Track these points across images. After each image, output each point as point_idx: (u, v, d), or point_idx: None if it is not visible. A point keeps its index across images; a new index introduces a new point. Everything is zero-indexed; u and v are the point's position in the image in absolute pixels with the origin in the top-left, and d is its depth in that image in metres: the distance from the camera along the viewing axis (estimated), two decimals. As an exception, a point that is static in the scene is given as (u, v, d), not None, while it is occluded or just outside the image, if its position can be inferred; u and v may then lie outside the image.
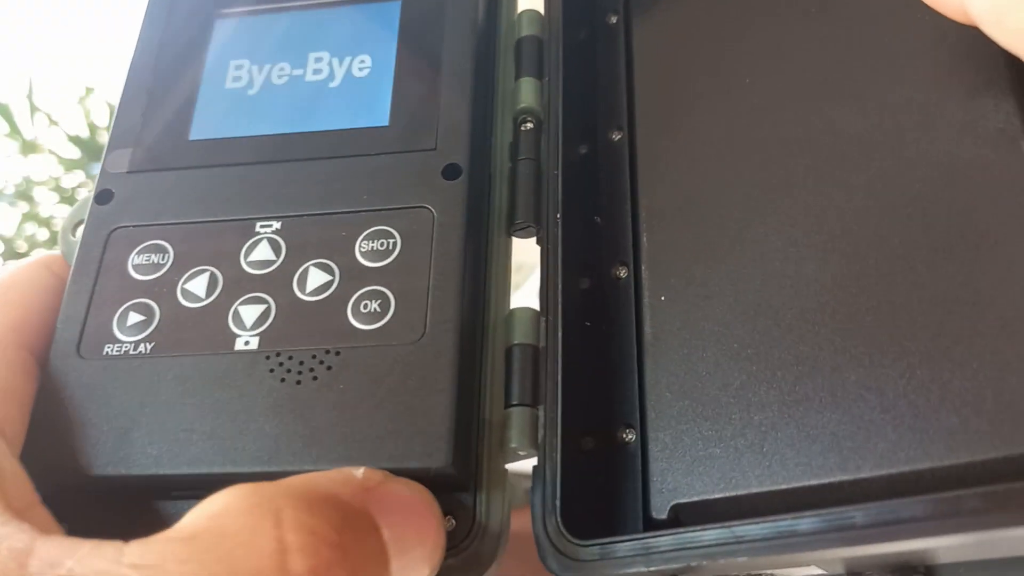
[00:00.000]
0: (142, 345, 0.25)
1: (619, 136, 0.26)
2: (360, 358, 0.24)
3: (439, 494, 0.22)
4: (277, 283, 0.25)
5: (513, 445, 0.24)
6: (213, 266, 0.26)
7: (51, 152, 1.23)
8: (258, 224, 0.26)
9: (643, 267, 0.24)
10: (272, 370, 0.24)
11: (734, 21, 0.27)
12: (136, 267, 0.26)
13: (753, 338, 0.21)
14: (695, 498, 0.20)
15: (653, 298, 0.24)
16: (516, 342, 0.25)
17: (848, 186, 0.22)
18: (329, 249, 0.26)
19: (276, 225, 0.26)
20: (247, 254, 0.26)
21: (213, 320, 0.25)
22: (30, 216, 1.29)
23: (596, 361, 0.25)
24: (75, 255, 0.26)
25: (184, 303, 0.25)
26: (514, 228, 0.28)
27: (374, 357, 0.24)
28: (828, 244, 0.21)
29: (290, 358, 0.24)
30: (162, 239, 0.26)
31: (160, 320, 0.25)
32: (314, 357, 0.24)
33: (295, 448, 0.22)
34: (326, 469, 0.21)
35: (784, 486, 0.19)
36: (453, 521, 0.23)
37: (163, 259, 0.26)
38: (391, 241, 0.25)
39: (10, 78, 1.18)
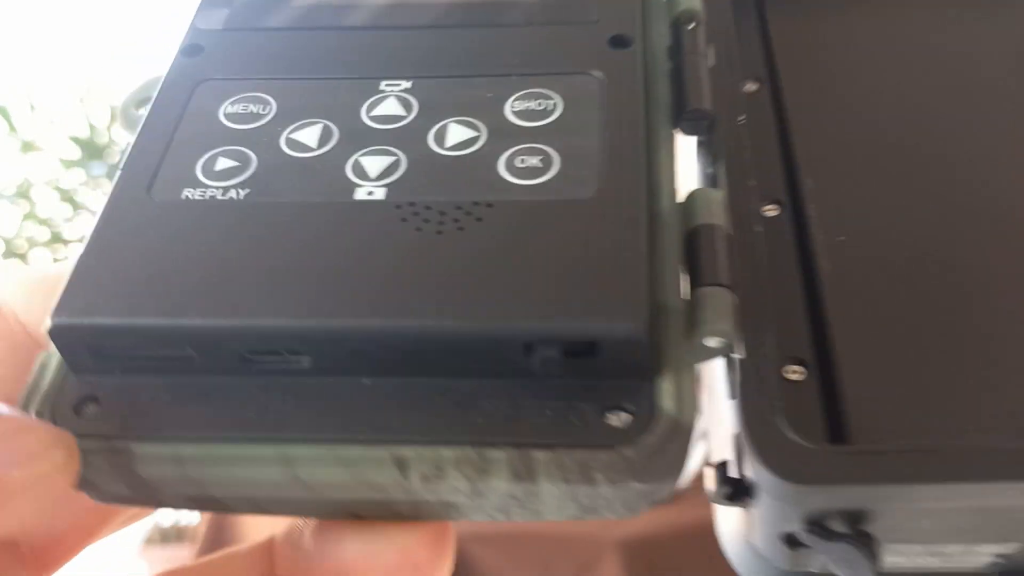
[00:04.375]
0: (233, 191, 0.20)
1: (756, 87, 0.26)
2: (518, 211, 0.19)
3: (608, 379, 0.18)
4: (408, 137, 0.21)
5: (707, 328, 0.19)
6: (327, 119, 0.22)
7: (51, 152, 1.23)
8: (383, 83, 0.22)
9: (809, 206, 0.23)
10: (404, 219, 0.19)
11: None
12: (229, 116, 0.22)
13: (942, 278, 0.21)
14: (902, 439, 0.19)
15: (828, 237, 0.22)
16: (703, 222, 0.21)
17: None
18: (473, 108, 0.22)
19: (405, 84, 0.22)
20: (370, 109, 0.22)
21: (327, 170, 0.21)
22: (30, 216, 1.29)
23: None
24: (147, 113, 0.22)
25: (289, 152, 0.21)
26: (684, 117, 0.23)
27: (537, 210, 0.19)
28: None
29: (427, 208, 0.19)
30: (263, 92, 0.22)
31: (257, 167, 0.21)
32: (459, 208, 0.19)
33: (435, 300, 0.18)
34: (471, 327, 0.18)
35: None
36: (629, 416, 0.18)
37: (264, 109, 0.22)
38: (550, 103, 0.21)
39: (10, 78, 1.18)
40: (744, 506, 0.21)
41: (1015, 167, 0.23)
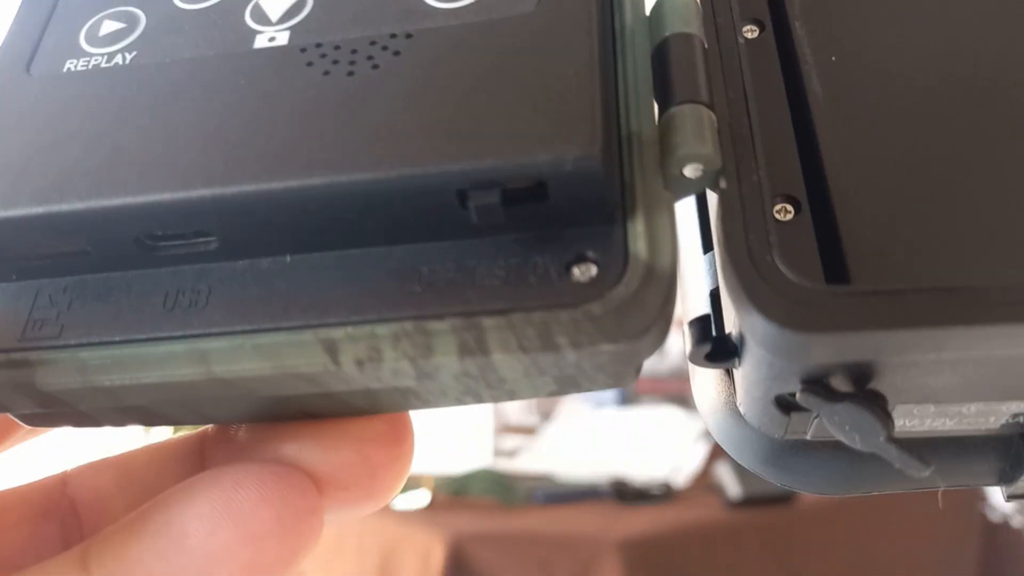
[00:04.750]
0: (119, 56, 0.18)
1: None
2: (442, 38, 0.17)
3: (567, 228, 0.16)
4: None
5: (683, 152, 0.16)
6: None
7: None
8: None
9: (796, 24, 0.20)
10: (311, 63, 0.17)
11: None
12: None
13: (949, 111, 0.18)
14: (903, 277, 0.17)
15: (819, 57, 0.20)
16: (672, 32, 0.18)
17: None
18: None
19: None
20: None
21: (223, 19, 0.18)
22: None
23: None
24: None
25: (180, 4, 0.19)
26: None
27: (464, 34, 0.17)
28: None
29: (336, 47, 0.17)
30: None
31: (147, 26, 0.18)
32: (373, 44, 0.17)
33: (348, 150, 0.15)
34: (389, 175, 0.15)
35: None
36: (594, 268, 0.15)
37: None
38: None
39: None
40: (728, 367, 0.19)
41: None
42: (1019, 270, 0.16)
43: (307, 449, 0.16)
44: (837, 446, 0.18)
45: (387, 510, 0.94)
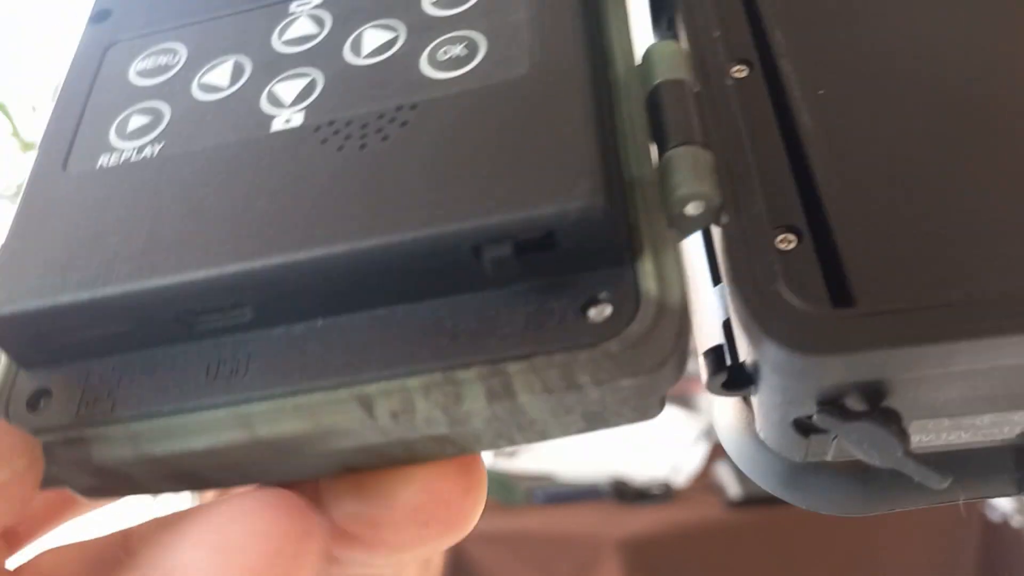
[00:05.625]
0: (148, 148, 0.19)
1: None
2: (445, 106, 0.18)
3: (580, 272, 0.16)
4: (323, 54, 0.20)
5: (684, 191, 0.17)
6: (237, 54, 0.20)
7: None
8: (293, 4, 0.21)
9: (782, 61, 0.21)
10: (325, 140, 0.18)
11: None
12: (140, 72, 0.21)
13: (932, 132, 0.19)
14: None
15: (807, 91, 0.20)
16: (663, 79, 0.19)
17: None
18: (388, 9, 0.20)
19: (316, 1, 0.21)
20: (281, 34, 0.20)
21: (241, 106, 0.19)
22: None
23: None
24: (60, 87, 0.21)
25: (201, 97, 0.20)
26: None
27: (465, 100, 0.18)
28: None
29: (348, 124, 0.18)
30: (172, 41, 0.21)
31: (171, 119, 0.19)
32: (381, 117, 0.18)
33: (365, 217, 0.16)
34: (406, 238, 0.16)
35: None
36: (608, 308, 0.16)
37: (174, 59, 0.21)
38: None
39: (10, 78, 1.18)
40: (745, 395, 0.19)
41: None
42: (1018, 281, 0.17)
43: (378, 501, 0.16)
44: (855, 466, 0.18)
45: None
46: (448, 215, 0.16)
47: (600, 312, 0.16)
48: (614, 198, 0.16)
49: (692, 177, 0.17)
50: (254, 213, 0.17)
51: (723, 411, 0.21)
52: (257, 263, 0.16)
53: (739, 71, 0.21)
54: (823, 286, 0.17)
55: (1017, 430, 0.18)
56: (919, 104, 0.20)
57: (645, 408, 0.16)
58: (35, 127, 1.26)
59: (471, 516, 0.17)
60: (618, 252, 0.16)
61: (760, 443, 0.19)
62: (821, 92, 0.20)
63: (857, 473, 0.19)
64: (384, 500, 0.16)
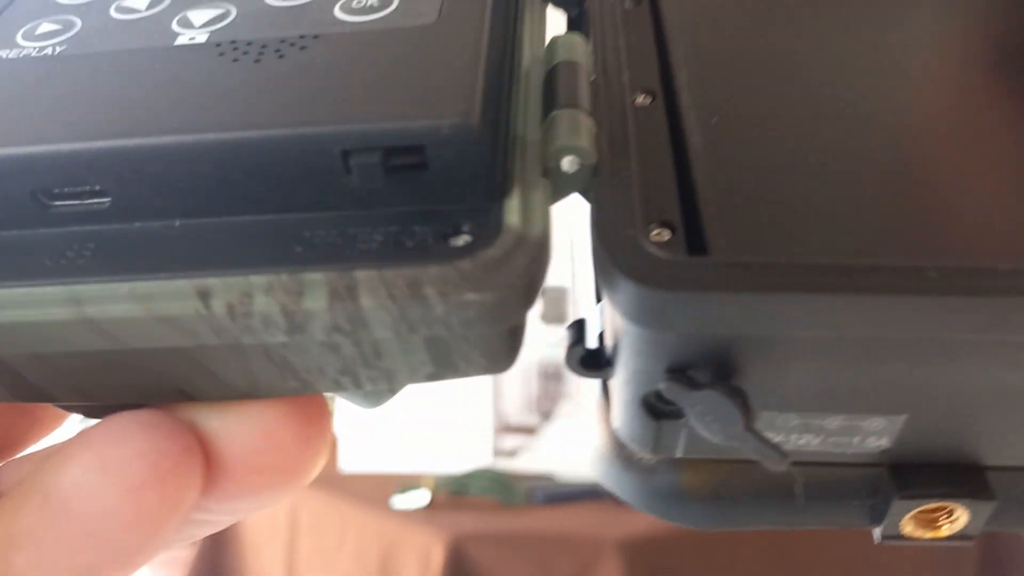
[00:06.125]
0: (49, 49, 0.19)
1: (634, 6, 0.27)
2: (347, 39, 0.18)
3: (449, 204, 0.17)
4: None
5: (560, 144, 0.18)
6: None
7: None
8: None
9: (683, 94, 0.23)
10: (222, 54, 0.18)
11: None
12: None
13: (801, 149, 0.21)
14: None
15: (701, 118, 0.22)
16: (562, 60, 0.20)
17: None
18: None
19: None
20: None
21: (151, 25, 0.20)
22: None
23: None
24: None
25: (116, 16, 0.20)
26: None
27: (367, 37, 0.18)
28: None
29: (249, 43, 0.18)
30: None
31: (80, 29, 0.20)
32: (282, 42, 0.18)
33: (236, 113, 0.16)
34: (271, 134, 0.16)
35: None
36: (469, 238, 0.16)
37: None
38: None
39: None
40: (602, 376, 0.20)
41: (880, 47, 0.24)
42: (851, 249, 0.18)
43: (209, 418, 0.16)
44: (709, 494, 0.20)
45: (387, 510, 0.94)
46: (322, 118, 0.16)
47: (461, 240, 0.16)
48: (490, 126, 0.16)
49: (570, 132, 0.18)
50: (127, 103, 0.17)
51: (594, 433, 0.22)
52: (118, 142, 0.16)
53: (644, 99, 0.22)
54: (683, 239, 0.18)
55: (872, 445, 0.19)
56: (790, 123, 0.22)
57: (494, 351, 0.16)
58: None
59: (308, 469, 0.16)
60: (488, 187, 0.16)
61: (622, 462, 0.20)
62: (714, 121, 0.22)
63: (708, 498, 0.20)
64: (218, 435, 0.16)
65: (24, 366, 0.17)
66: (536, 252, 0.16)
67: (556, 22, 0.25)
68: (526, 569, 0.90)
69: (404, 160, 0.16)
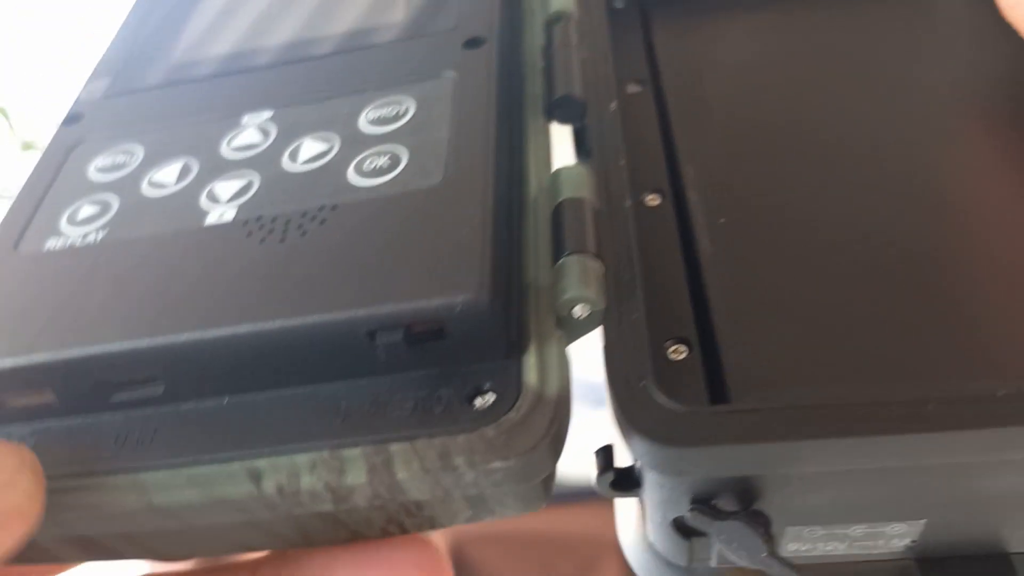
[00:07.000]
0: (92, 235, 0.21)
1: (639, 89, 0.27)
2: (362, 208, 0.19)
3: (469, 364, 0.17)
4: (263, 159, 0.22)
5: (570, 294, 0.18)
6: (188, 155, 0.22)
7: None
8: (245, 116, 0.23)
9: (691, 192, 0.23)
10: (250, 234, 0.19)
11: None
12: (98, 169, 0.23)
13: (810, 261, 0.22)
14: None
15: (710, 219, 0.23)
16: (566, 196, 0.21)
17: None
18: (328, 124, 0.22)
19: (267, 114, 0.23)
20: (230, 142, 0.22)
21: (182, 202, 0.21)
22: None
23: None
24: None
25: (149, 193, 0.21)
26: (554, 104, 0.24)
27: (380, 204, 0.19)
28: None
29: (273, 220, 0.20)
30: (133, 143, 0.23)
31: (118, 211, 0.21)
32: (304, 215, 0.19)
33: (271, 301, 0.18)
34: (305, 321, 0.17)
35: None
36: (492, 398, 0.17)
37: (130, 159, 0.23)
38: (403, 107, 0.22)
39: (9, 78, 1.18)
40: (632, 495, 0.20)
41: (879, 145, 0.24)
42: (869, 392, 0.18)
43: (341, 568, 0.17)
44: None
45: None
46: (346, 302, 0.17)
47: (484, 401, 0.17)
48: (501, 296, 0.17)
49: (579, 282, 0.19)
50: (173, 295, 0.18)
51: (624, 519, 0.22)
52: (166, 339, 0.17)
53: (653, 199, 0.23)
54: (706, 393, 0.19)
55: (896, 545, 0.19)
56: (809, 244, 0.22)
57: (528, 497, 0.18)
58: (33, 126, 1.26)
59: None
60: (505, 346, 0.18)
61: (654, 550, 0.21)
62: (722, 221, 0.23)
63: None
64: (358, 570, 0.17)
65: (99, 537, 0.18)
66: (556, 410, 0.17)
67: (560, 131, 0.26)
68: (526, 569, 0.90)
69: (424, 332, 0.17)
